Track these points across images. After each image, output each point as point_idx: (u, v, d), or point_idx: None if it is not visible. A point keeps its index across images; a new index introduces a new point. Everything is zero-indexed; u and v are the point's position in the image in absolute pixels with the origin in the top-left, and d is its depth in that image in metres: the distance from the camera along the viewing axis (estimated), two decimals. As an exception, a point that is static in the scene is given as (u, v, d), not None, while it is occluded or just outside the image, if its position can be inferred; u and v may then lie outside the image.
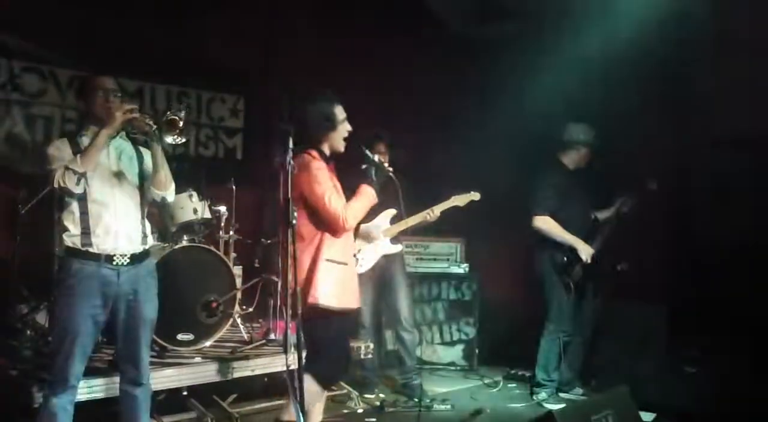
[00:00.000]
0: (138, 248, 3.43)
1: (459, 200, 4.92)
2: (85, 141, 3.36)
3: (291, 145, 3.16)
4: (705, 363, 5.06)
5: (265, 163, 5.31)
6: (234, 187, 5.59)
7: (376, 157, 3.74)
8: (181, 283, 4.76)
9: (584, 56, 5.72)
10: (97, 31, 5.66)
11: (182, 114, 3.46)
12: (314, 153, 3.60)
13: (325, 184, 3.51)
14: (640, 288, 5.51)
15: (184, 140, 3.49)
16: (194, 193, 5.20)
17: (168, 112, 3.45)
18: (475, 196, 4.94)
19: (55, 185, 3.22)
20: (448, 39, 6.90)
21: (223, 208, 5.42)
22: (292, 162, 3.14)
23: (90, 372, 3.68)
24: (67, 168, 3.20)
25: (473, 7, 6.64)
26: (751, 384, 4.56)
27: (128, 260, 3.37)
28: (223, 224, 5.45)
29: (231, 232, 5.50)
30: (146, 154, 3.51)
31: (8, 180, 5.29)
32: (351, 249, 3.74)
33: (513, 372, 5.95)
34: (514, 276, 6.27)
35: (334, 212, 3.48)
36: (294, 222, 3.09)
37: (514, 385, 5.74)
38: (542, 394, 5.20)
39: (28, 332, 4.70)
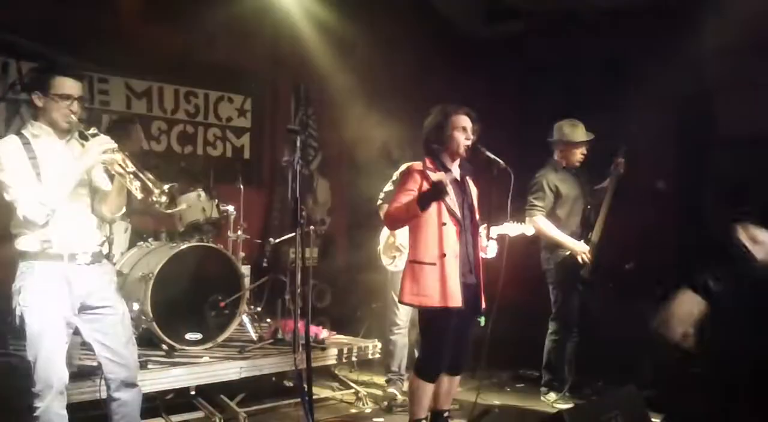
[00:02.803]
0: (96, 248, 3.33)
1: (509, 229, 4.36)
2: (38, 144, 3.16)
3: (299, 144, 3.16)
4: (710, 364, 5.02)
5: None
6: (242, 187, 5.60)
7: (490, 153, 3.81)
8: (190, 283, 4.77)
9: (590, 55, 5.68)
10: (104, 31, 5.67)
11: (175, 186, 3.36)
12: (426, 161, 3.77)
13: (400, 187, 3.74)
14: (647, 287, 5.47)
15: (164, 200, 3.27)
16: (202, 193, 5.21)
17: (168, 188, 3.24)
18: (529, 230, 4.45)
19: (20, 215, 3.04)
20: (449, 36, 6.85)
21: (231, 208, 5.42)
22: (300, 161, 3.16)
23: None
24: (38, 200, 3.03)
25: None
26: (757, 384, 4.52)
27: (90, 258, 3.26)
28: (231, 223, 5.46)
29: (239, 232, 5.50)
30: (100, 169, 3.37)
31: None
32: (440, 249, 3.70)
33: (521, 371, 5.92)
34: (522, 274, 6.23)
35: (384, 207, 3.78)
36: (303, 221, 3.10)
37: (522, 385, 5.71)
38: (551, 394, 5.17)
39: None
